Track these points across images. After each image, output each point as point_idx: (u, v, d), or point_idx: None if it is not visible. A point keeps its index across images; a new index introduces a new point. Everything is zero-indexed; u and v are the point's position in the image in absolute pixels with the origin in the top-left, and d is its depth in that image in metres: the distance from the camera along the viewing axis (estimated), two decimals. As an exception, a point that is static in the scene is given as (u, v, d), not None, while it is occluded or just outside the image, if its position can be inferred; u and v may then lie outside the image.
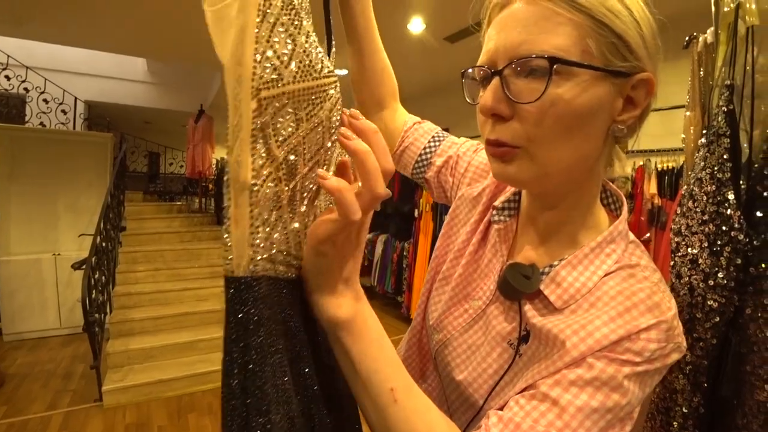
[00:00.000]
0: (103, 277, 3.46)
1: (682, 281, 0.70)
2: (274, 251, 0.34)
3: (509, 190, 0.54)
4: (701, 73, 1.07)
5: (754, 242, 0.65)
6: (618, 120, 0.42)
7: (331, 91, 0.36)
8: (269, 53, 0.31)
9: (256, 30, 0.31)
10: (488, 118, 0.43)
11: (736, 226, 0.64)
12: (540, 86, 0.38)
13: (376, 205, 0.34)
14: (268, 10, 0.31)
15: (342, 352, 0.37)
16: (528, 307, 0.46)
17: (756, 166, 0.70)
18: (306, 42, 0.34)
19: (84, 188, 4.68)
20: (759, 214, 0.66)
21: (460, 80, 0.48)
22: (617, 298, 0.41)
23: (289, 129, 0.33)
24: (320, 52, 0.35)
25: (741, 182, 0.70)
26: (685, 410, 0.70)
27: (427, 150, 0.68)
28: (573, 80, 0.38)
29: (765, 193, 0.66)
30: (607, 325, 0.40)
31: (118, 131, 6.28)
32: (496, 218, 0.53)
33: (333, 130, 0.37)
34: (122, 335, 3.49)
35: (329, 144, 0.37)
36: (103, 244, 3.57)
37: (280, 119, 0.33)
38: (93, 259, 3.14)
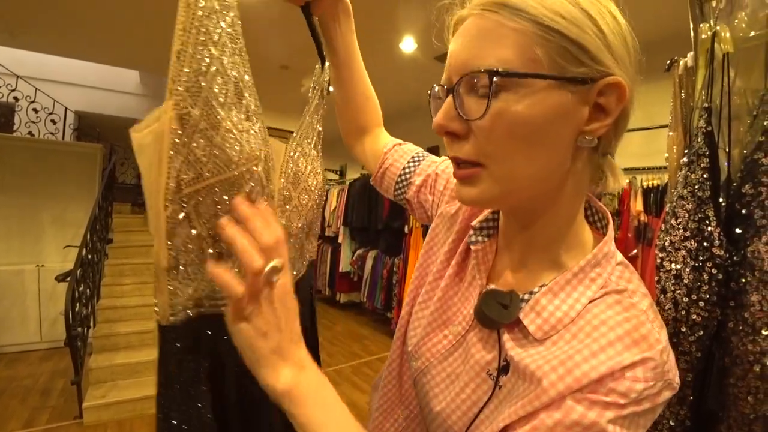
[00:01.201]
0: (88, 290, 3.39)
1: (666, 296, 0.72)
2: (191, 305, 0.45)
3: (487, 210, 0.52)
4: (682, 95, 1.12)
5: (734, 258, 0.67)
6: (586, 130, 0.39)
7: (254, 168, 0.43)
8: (187, 160, 0.40)
9: (171, 152, 0.39)
10: (443, 136, 0.42)
11: (717, 242, 0.67)
12: (482, 101, 0.37)
13: (259, 279, 0.35)
14: (186, 123, 0.40)
15: (289, 416, 0.37)
16: (507, 337, 0.43)
17: (735, 184, 0.73)
18: (223, 138, 0.41)
19: (71, 199, 4.61)
20: (738, 230, 0.68)
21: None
22: (600, 328, 0.38)
23: (212, 211, 0.42)
24: (241, 138, 0.43)
25: (721, 200, 0.72)
26: (672, 423, 0.71)
27: (407, 170, 0.67)
28: (521, 91, 0.36)
29: (743, 211, 0.69)
30: (588, 361, 0.36)
31: (108, 142, 6.23)
32: (473, 239, 0.50)
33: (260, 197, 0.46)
34: (106, 350, 3.40)
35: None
36: (89, 257, 3.51)
37: (202, 207, 0.41)
38: (78, 271, 3.08)
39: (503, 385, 0.43)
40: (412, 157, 0.68)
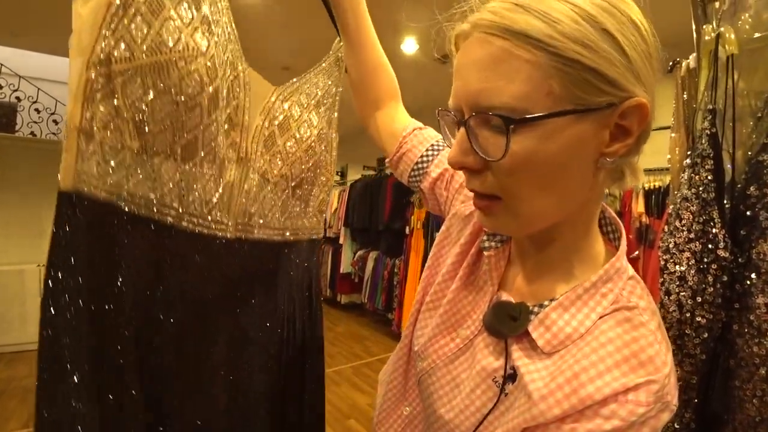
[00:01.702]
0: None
1: (671, 298, 0.72)
2: (105, 187, 0.46)
3: (483, 234, 0.52)
4: (685, 96, 1.12)
5: (739, 259, 0.67)
6: (607, 152, 0.38)
7: (191, 63, 0.44)
8: (122, 37, 0.42)
9: (106, 26, 0.41)
10: (458, 170, 0.42)
11: (721, 244, 0.66)
12: (504, 140, 0.35)
13: None
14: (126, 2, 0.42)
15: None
16: (515, 347, 0.43)
17: (739, 186, 0.72)
18: (161, 25, 0.43)
19: (72, 199, 4.61)
20: (743, 232, 0.68)
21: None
22: (607, 347, 0.37)
23: (138, 94, 0.43)
24: (185, 31, 0.44)
25: (725, 202, 0.72)
26: (676, 426, 0.71)
27: (425, 159, 0.64)
28: (540, 129, 0.35)
29: (748, 212, 0.68)
30: (594, 382, 0.36)
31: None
32: (486, 244, 0.49)
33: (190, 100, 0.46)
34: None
35: (184, 112, 0.47)
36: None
37: (130, 87, 0.42)
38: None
39: (509, 392, 0.42)
40: (432, 145, 0.65)
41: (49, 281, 0.42)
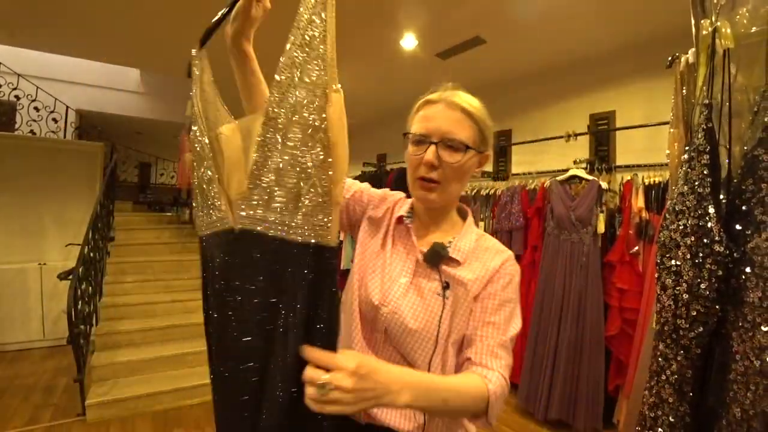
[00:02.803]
0: (90, 288, 3.40)
1: (666, 292, 0.72)
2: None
3: (406, 206, 0.87)
4: (684, 91, 1.12)
5: (734, 254, 0.67)
6: (475, 171, 0.81)
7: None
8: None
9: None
10: (426, 166, 0.75)
11: (716, 238, 0.66)
12: (457, 155, 0.75)
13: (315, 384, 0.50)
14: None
15: (423, 409, 0.68)
16: (444, 267, 0.76)
17: (735, 181, 0.72)
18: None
19: (73, 197, 4.63)
20: (738, 227, 0.68)
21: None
22: (488, 248, 0.80)
23: None
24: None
25: (721, 197, 0.72)
26: (671, 419, 0.71)
27: None
28: (468, 154, 0.76)
29: (744, 207, 0.69)
30: (492, 261, 0.77)
31: (109, 141, 6.23)
32: (407, 221, 0.84)
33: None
34: (108, 348, 3.42)
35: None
36: (91, 255, 3.52)
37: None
38: (80, 269, 3.09)
39: (449, 296, 0.74)
40: None
41: None
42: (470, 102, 0.77)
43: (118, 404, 2.95)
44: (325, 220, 0.54)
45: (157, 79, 7.40)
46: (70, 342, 2.75)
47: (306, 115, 0.53)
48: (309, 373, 0.50)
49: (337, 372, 0.50)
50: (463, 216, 0.87)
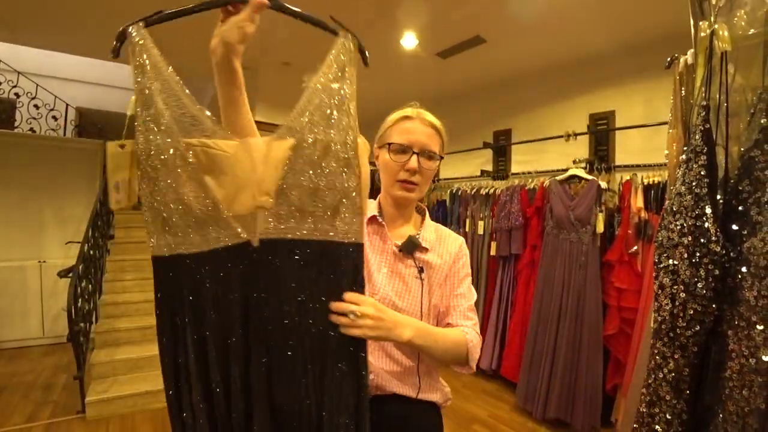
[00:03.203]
0: (90, 286, 3.41)
1: (664, 291, 0.73)
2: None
3: (372, 208, 1.01)
4: (683, 92, 1.12)
5: (731, 254, 0.68)
6: (436, 174, 1.08)
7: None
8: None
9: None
10: (409, 171, 0.92)
11: (713, 238, 0.67)
12: (432, 163, 0.95)
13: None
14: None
15: (419, 348, 0.85)
16: (417, 254, 0.95)
17: (732, 181, 0.73)
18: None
19: (72, 195, 4.63)
20: (735, 227, 0.69)
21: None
22: (450, 236, 1.03)
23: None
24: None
25: (719, 197, 0.73)
26: (668, 416, 0.72)
27: None
28: (437, 162, 0.96)
29: (740, 207, 0.69)
30: (452, 245, 1.00)
31: (110, 139, 6.21)
32: (380, 218, 0.98)
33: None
34: (108, 345, 3.42)
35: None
36: (91, 252, 3.52)
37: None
38: (80, 267, 3.09)
39: (425, 278, 0.94)
40: None
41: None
42: (436, 120, 0.98)
43: (117, 401, 2.96)
44: (359, 224, 0.71)
45: (157, 77, 7.36)
46: (70, 339, 2.76)
47: (339, 150, 0.68)
48: (343, 305, 0.69)
49: (363, 305, 0.70)
50: (421, 212, 1.07)
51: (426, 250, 0.96)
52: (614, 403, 2.81)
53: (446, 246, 0.99)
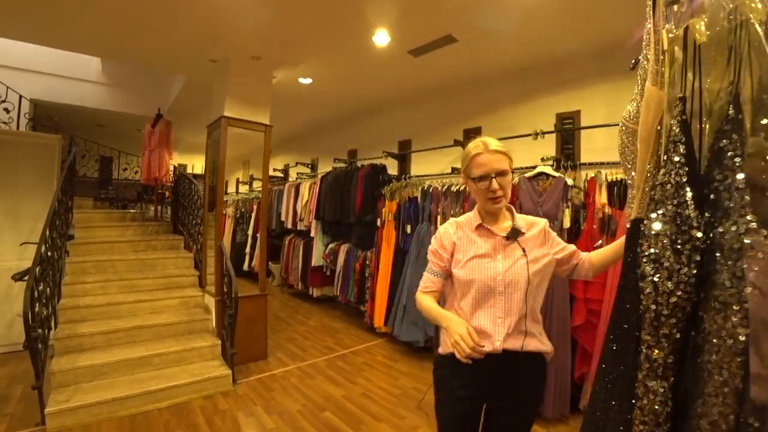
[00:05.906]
0: (48, 289, 3.22)
1: (646, 280, 0.76)
2: None
3: (472, 219, 1.48)
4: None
5: (707, 241, 0.72)
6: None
7: None
8: None
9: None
10: (493, 191, 1.36)
11: (695, 224, 0.71)
12: (506, 177, 1.38)
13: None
14: None
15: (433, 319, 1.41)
16: (520, 239, 1.39)
17: (702, 172, 0.77)
18: None
19: (27, 193, 4.36)
20: (708, 214, 0.73)
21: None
22: (529, 220, 1.49)
23: None
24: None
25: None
26: (656, 406, 0.75)
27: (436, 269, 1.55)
28: (509, 175, 1.39)
29: (712, 196, 0.73)
30: (538, 227, 1.47)
31: (68, 133, 5.89)
32: (485, 223, 1.44)
33: None
34: (69, 352, 3.25)
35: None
36: (49, 254, 3.33)
37: None
38: (37, 269, 2.92)
39: (527, 255, 1.36)
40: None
41: None
42: (499, 144, 1.38)
43: (80, 411, 2.81)
44: None
45: (120, 70, 7.05)
46: (27, 347, 2.60)
47: None
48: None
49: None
50: (509, 210, 1.48)
51: (523, 233, 1.39)
52: (581, 390, 2.92)
53: (535, 227, 1.44)
